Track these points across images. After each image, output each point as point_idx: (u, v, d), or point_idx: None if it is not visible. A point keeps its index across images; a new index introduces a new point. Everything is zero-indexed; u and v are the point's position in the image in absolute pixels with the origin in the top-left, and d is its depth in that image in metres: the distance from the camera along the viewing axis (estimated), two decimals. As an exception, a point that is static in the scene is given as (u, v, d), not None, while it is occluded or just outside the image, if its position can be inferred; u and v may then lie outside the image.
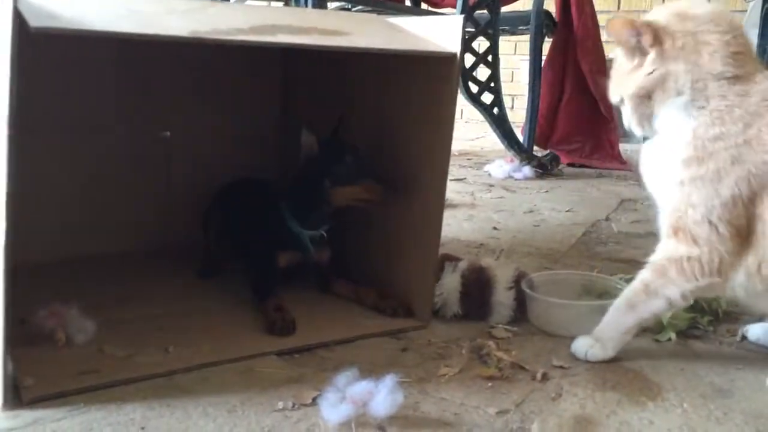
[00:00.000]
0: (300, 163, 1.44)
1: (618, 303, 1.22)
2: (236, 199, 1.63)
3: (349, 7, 3.03)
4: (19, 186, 0.96)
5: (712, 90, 1.10)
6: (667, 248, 1.17)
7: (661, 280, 1.16)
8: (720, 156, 1.08)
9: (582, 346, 1.23)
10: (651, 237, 2.12)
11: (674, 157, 1.13)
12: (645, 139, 1.25)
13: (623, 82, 1.20)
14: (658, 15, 1.17)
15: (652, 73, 1.14)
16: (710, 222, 1.10)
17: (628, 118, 1.22)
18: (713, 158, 1.09)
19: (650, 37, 1.13)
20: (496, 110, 3.22)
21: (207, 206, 1.66)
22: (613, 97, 1.25)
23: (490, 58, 3.16)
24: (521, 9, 3.67)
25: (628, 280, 1.46)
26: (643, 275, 1.19)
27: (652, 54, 1.14)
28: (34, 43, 0.93)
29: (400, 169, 1.43)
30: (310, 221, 1.47)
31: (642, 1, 5.15)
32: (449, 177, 1.39)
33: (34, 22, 0.89)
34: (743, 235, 1.10)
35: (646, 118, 1.19)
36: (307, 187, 1.45)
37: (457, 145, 2.99)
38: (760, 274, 1.10)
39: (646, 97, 1.16)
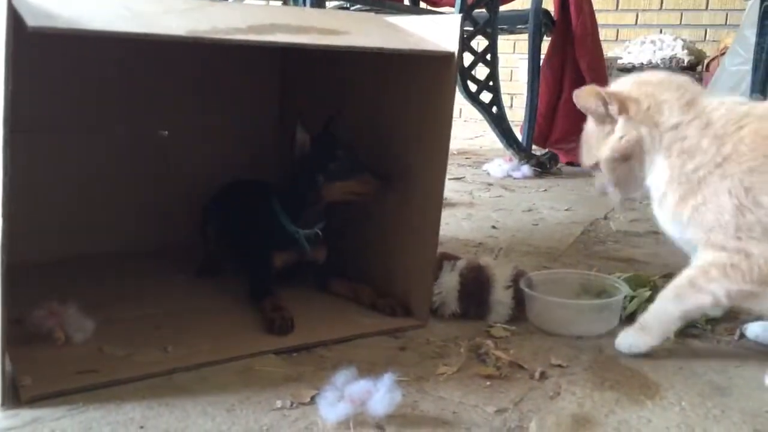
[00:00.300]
0: (292, 160, 1.43)
1: (665, 293, 1.23)
2: (233, 200, 1.63)
3: (348, 6, 3.03)
4: (18, 185, 0.96)
5: (677, 136, 1.19)
6: (706, 257, 1.18)
7: (704, 278, 1.18)
8: (707, 179, 1.15)
9: (626, 338, 1.25)
10: (650, 236, 2.14)
11: (669, 205, 1.20)
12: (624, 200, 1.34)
13: (597, 147, 1.27)
14: (621, 85, 1.28)
15: (623, 137, 1.22)
16: (734, 235, 1.14)
17: (604, 181, 1.30)
18: (702, 184, 1.16)
19: (617, 106, 1.21)
20: (494, 109, 3.22)
21: (204, 207, 1.66)
22: (587, 161, 1.32)
23: (488, 56, 3.16)
24: (520, 8, 3.67)
25: (627, 279, 1.47)
26: (688, 272, 1.21)
27: (621, 121, 1.22)
28: (32, 43, 0.93)
29: (399, 168, 1.43)
30: (305, 219, 1.47)
31: (640, 0, 5.16)
32: (448, 176, 1.39)
33: (31, 21, 0.89)
34: None
35: (623, 179, 1.27)
36: (300, 184, 1.45)
37: (455, 144, 3.00)
38: None
39: (622, 160, 1.24)
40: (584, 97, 1.25)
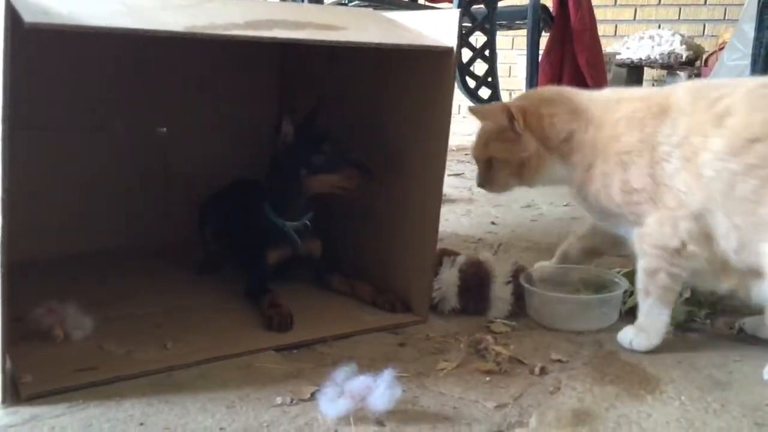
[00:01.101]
0: (276, 151, 1.42)
1: (638, 293, 1.28)
2: (227, 200, 1.63)
3: (346, 2, 3.03)
4: (17, 183, 0.96)
5: (574, 145, 1.33)
6: (635, 239, 1.29)
7: (647, 257, 1.25)
8: (596, 164, 1.30)
9: (626, 335, 1.27)
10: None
11: (578, 194, 1.36)
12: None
13: (495, 148, 1.38)
14: (523, 100, 1.41)
15: (526, 149, 1.34)
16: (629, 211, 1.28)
17: (490, 176, 1.41)
18: (593, 170, 1.30)
19: (521, 121, 1.32)
20: (493, 105, 3.22)
21: (200, 207, 1.66)
22: (480, 155, 1.41)
23: (487, 52, 3.16)
24: (518, 4, 3.67)
25: (626, 274, 1.47)
26: (638, 262, 1.29)
27: (525, 135, 1.33)
28: (30, 40, 0.93)
29: (397, 164, 1.43)
30: (291, 212, 1.46)
31: (638, -5, 5.16)
32: (447, 172, 1.39)
33: (28, 17, 0.89)
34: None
35: (507, 179, 1.40)
36: (283, 177, 1.44)
37: (454, 140, 2.99)
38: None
39: (517, 166, 1.36)
40: (490, 112, 1.40)
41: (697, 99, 1.25)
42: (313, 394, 1.04)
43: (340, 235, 1.56)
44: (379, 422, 0.98)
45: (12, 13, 0.90)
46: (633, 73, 4.75)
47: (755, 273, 1.18)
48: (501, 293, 1.39)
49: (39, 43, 1.47)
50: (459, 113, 5.17)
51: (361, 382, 1.00)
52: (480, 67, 3.17)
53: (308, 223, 1.48)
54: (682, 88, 1.31)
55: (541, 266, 1.58)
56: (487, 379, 1.13)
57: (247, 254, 1.51)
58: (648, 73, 4.95)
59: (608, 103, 1.34)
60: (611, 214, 1.32)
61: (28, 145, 1.48)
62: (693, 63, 4.75)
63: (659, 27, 5.05)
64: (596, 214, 1.40)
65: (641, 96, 1.34)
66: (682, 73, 4.62)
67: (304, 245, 1.48)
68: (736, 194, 1.16)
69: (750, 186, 1.14)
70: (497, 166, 1.39)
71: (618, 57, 4.69)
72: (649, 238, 1.25)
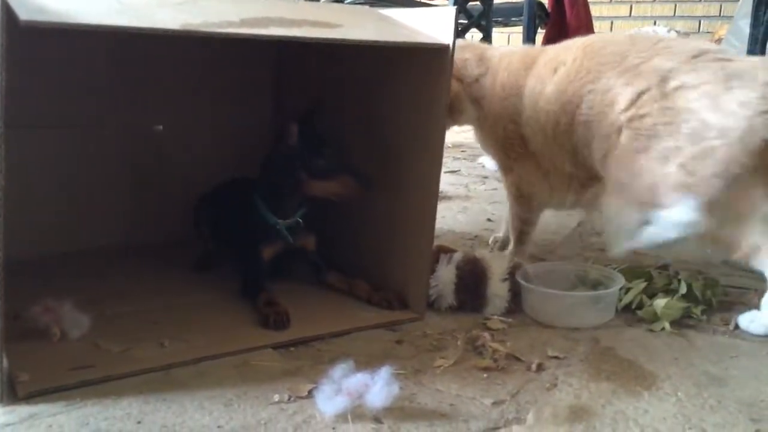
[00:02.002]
0: (276, 152, 1.42)
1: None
2: (223, 198, 1.63)
3: (342, -1, 3.02)
4: (12, 181, 0.95)
5: (477, 87, 1.61)
6: None
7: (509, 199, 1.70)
8: (491, 108, 1.59)
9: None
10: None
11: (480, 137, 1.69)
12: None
13: None
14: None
15: (451, 90, 1.47)
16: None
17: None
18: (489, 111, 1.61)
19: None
20: (489, 102, 3.21)
21: (196, 204, 1.66)
22: None
23: (483, 49, 3.15)
24: (514, 0, 3.66)
25: (622, 270, 1.47)
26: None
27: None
28: (26, 38, 0.93)
29: (394, 162, 1.43)
30: (283, 210, 1.46)
31: (635, -8, 5.16)
32: (443, 169, 1.39)
33: (23, 15, 0.88)
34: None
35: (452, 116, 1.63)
36: (280, 178, 1.44)
37: (451, 137, 2.99)
38: None
39: (449, 107, 1.48)
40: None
41: (552, 55, 1.50)
42: (310, 392, 1.04)
43: (338, 232, 1.55)
44: (377, 419, 0.98)
45: (7, 11, 0.90)
46: (629, 70, 4.75)
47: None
48: (498, 290, 1.39)
49: (34, 40, 1.47)
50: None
51: (359, 379, 1.00)
52: (476, 64, 3.16)
53: (300, 220, 1.48)
54: (554, 46, 1.55)
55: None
56: (484, 375, 1.13)
57: (242, 251, 1.51)
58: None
59: (503, 56, 1.59)
60: (491, 153, 1.66)
61: (24, 143, 1.47)
62: (688, 59, 4.75)
63: (655, 24, 5.06)
64: (487, 150, 1.71)
65: (525, 52, 1.58)
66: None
67: (297, 240, 1.48)
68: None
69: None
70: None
71: (614, 53, 4.68)
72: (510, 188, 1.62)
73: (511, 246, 1.70)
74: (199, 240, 1.66)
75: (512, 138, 1.57)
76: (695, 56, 1.32)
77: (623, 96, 1.35)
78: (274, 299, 1.34)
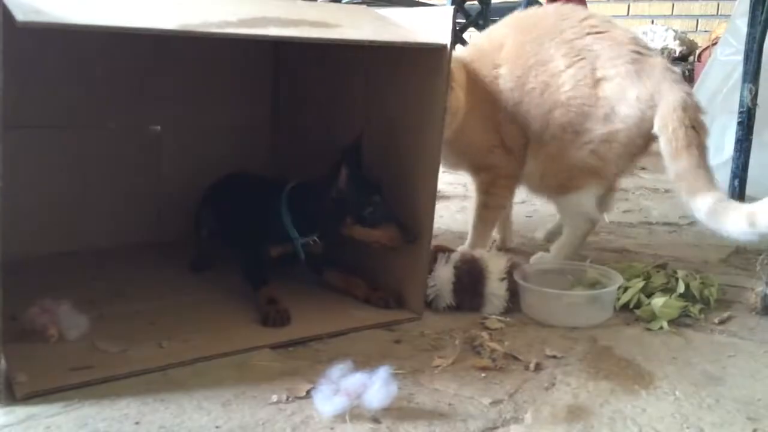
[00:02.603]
0: (330, 194, 1.38)
1: None
2: (230, 191, 1.62)
3: (340, -1, 3.02)
4: (10, 181, 0.95)
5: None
6: None
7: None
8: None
9: None
10: (642, 227, 2.15)
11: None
12: None
13: None
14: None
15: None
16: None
17: None
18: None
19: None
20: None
21: (200, 198, 1.66)
22: None
23: (481, 49, 3.15)
24: (512, 0, 3.66)
25: (620, 269, 1.47)
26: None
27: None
28: (23, 39, 0.93)
29: (392, 161, 1.43)
30: (308, 232, 1.45)
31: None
32: (441, 169, 1.39)
33: (20, 16, 0.88)
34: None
35: None
36: (325, 217, 1.42)
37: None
38: None
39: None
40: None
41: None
42: (308, 392, 1.04)
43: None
44: (375, 419, 0.98)
45: (4, 12, 0.89)
46: (626, 69, 4.75)
47: None
48: (496, 290, 1.39)
49: (32, 41, 1.47)
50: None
51: (357, 379, 1.00)
52: (474, 64, 3.16)
53: (317, 239, 1.46)
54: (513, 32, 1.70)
55: (541, 257, 1.60)
56: (482, 375, 1.13)
57: (248, 246, 1.50)
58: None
59: (478, 40, 1.76)
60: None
61: (21, 144, 1.47)
62: (686, 58, 4.76)
63: (652, 23, 5.07)
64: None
65: (491, 37, 1.73)
66: (676, 69, 4.63)
67: (306, 249, 1.47)
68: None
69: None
70: None
71: (611, 53, 4.69)
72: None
73: (469, 239, 1.71)
74: (197, 238, 1.65)
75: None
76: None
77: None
78: (274, 297, 1.34)
